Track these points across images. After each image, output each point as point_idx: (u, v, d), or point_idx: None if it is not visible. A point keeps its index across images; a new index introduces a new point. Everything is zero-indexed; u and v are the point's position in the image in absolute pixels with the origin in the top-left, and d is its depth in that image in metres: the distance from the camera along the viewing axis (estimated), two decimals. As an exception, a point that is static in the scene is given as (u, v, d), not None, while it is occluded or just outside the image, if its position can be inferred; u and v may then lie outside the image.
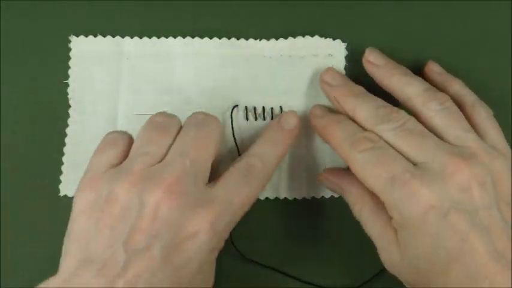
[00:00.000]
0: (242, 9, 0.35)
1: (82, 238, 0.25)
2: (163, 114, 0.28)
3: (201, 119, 0.28)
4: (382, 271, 0.31)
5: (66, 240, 0.25)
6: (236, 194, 0.26)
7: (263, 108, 0.33)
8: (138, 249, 0.23)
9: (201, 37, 0.33)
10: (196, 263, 0.24)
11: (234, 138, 0.32)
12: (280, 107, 0.32)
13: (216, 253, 0.26)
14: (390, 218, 0.27)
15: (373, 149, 0.27)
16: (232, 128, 0.32)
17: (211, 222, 0.24)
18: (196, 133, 0.27)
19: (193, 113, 0.29)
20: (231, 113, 0.32)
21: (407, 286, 0.28)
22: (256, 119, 0.32)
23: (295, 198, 0.33)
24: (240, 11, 0.34)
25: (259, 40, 0.33)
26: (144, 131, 0.28)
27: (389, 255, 0.27)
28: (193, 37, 0.33)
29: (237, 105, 0.32)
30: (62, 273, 0.24)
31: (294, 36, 0.34)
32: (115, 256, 0.23)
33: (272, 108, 0.33)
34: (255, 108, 0.33)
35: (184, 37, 0.33)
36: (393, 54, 0.32)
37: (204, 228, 0.24)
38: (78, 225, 0.25)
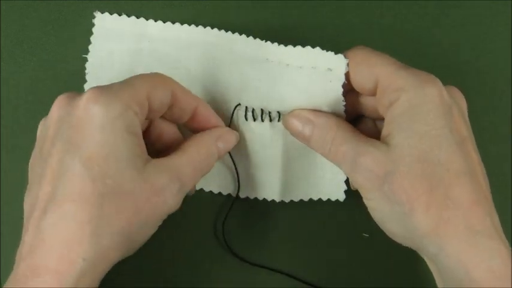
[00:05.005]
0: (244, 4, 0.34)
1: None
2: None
3: None
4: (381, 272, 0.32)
5: None
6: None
7: (261, 110, 0.32)
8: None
9: (226, 30, 0.32)
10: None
11: None
12: (278, 112, 0.31)
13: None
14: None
15: None
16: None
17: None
18: None
19: None
20: (232, 112, 0.32)
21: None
22: (254, 120, 0.32)
23: (292, 200, 0.33)
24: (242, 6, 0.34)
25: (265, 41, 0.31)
26: None
27: (376, 168, 0.26)
28: (219, 29, 0.32)
29: (239, 104, 0.32)
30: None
31: (295, 44, 0.30)
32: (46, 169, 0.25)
33: (270, 112, 0.32)
34: (253, 110, 0.32)
35: (205, 27, 0.32)
36: (392, 55, 0.32)
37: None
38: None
